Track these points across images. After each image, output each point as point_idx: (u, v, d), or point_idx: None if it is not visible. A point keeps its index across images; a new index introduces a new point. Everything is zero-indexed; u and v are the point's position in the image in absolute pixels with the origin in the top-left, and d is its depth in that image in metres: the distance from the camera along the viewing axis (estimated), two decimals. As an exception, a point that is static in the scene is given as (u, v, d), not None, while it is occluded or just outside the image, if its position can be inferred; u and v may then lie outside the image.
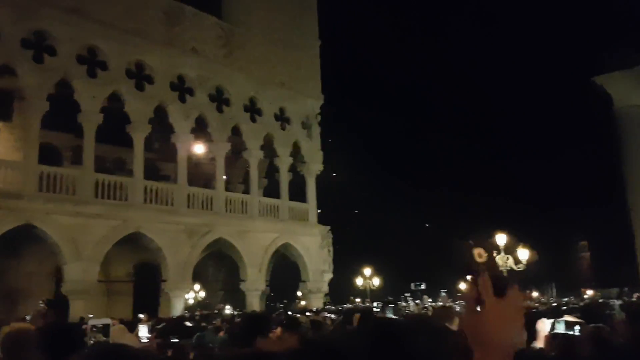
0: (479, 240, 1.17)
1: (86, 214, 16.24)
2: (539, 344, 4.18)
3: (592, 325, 4.06)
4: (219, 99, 20.77)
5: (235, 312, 20.09)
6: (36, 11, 15.96)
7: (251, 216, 20.95)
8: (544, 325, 4.14)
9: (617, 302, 12.37)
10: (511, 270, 18.85)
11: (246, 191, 22.47)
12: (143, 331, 5.00)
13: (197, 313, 17.41)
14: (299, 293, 29.49)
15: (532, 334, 4.24)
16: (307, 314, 12.15)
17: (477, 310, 1.11)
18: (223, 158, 20.73)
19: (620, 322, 5.44)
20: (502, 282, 1.13)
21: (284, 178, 22.65)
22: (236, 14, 21.75)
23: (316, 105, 24.14)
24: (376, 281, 35.18)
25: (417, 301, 24.62)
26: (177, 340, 6.31)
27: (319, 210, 23.86)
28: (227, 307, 26.80)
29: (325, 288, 23.63)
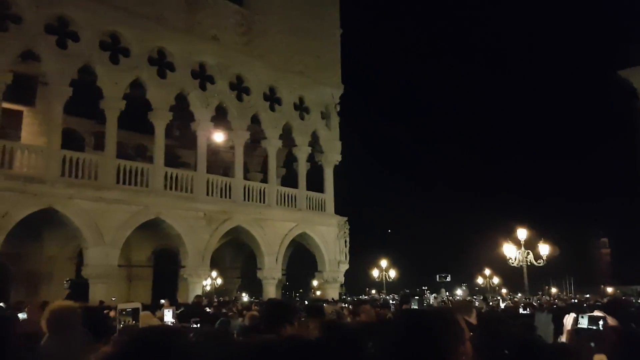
0: None
1: (107, 199, 16.43)
2: (563, 338, 4.11)
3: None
4: (239, 88, 20.78)
5: (253, 300, 20.24)
6: (60, -3, 16.09)
7: (269, 205, 21.00)
8: (569, 321, 4.06)
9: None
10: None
11: (264, 180, 22.52)
12: (168, 316, 5.04)
13: (215, 300, 17.60)
14: (315, 283, 29.57)
15: (560, 329, 4.17)
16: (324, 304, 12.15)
17: None
18: (242, 146, 20.77)
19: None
20: None
21: (302, 167, 22.62)
22: (257, 2, 21.67)
23: (336, 95, 24.00)
24: (392, 273, 35.11)
25: (434, 295, 24.52)
26: (198, 325, 6.35)
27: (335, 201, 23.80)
28: (244, 294, 27.08)
29: (341, 278, 23.64)
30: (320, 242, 22.64)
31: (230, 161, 21.89)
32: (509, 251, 19.93)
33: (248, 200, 20.46)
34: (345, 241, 23.40)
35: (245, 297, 25.24)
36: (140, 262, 22.26)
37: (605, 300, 18.55)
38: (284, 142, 22.26)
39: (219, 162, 23.38)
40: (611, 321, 3.45)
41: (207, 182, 19.39)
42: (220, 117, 20.38)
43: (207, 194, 19.24)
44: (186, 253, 18.52)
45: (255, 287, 24.22)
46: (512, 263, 19.96)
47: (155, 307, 11.01)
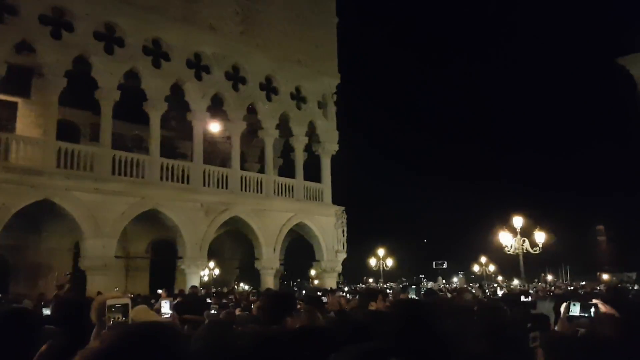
0: None
1: (104, 191, 16.40)
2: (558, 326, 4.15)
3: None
4: (236, 77, 20.67)
5: (251, 290, 20.29)
6: (54, -13, 15.92)
7: (267, 195, 21.00)
8: (563, 308, 4.10)
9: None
10: None
11: (261, 170, 22.49)
12: (165, 307, 5.02)
13: (213, 290, 17.63)
14: (313, 272, 29.67)
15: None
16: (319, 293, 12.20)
17: None
18: (239, 137, 20.71)
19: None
20: None
21: (300, 157, 22.59)
22: (253, -9, 21.47)
23: (333, 84, 23.91)
24: (389, 262, 35.25)
25: (431, 283, 24.65)
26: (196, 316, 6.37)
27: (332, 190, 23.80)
28: (242, 284, 27.16)
29: (339, 268, 23.71)
30: (318, 232, 22.69)
31: (227, 152, 21.83)
32: (505, 239, 20.01)
33: (246, 191, 20.44)
34: (343, 231, 23.45)
35: (244, 287, 25.33)
36: (137, 253, 22.29)
37: (602, 288, 18.68)
38: (281, 132, 22.20)
39: (216, 153, 23.33)
40: (605, 308, 3.47)
41: (204, 172, 19.36)
42: (216, 108, 20.30)
43: (204, 185, 19.22)
44: (184, 244, 18.53)
45: (253, 277, 24.28)
46: (509, 251, 20.05)
47: (153, 298, 11.04)
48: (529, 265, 23.20)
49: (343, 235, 23.43)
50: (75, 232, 16.99)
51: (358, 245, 30.65)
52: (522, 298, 8.13)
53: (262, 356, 1.89)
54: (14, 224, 15.01)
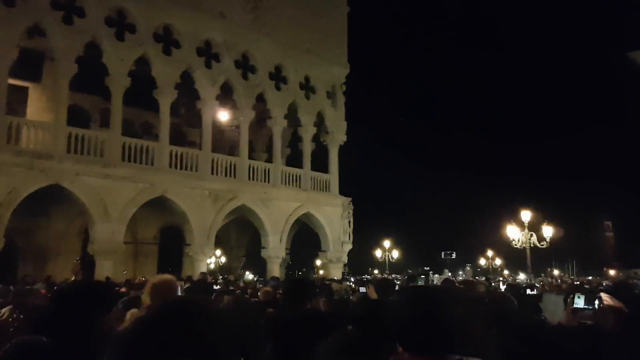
0: None
1: (114, 176, 16.51)
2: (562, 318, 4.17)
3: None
4: (245, 66, 20.65)
5: (258, 278, 20.42)
6: (66, -28, 15.93)
7: (274, 184, 21.05)
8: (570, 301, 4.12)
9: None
10: None
11: (269, 160, 22.52)
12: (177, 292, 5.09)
13: (220, 277, 17.76)
14: (318, 262, 29.79)
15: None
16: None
17: None
18: (247, 125, 20.73)
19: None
20: None
21: (307, 147, 22.59)
22: (264, -21, 21.37)
23: (342, 74, 23.83)
24: (395, 254, 35.29)
25: (437, 276, 24.67)
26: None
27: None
28: (248, 272, 27.33)
29: (345, 258, 23.79)
30: (325, 222, 22.74)
31: (235, 140, 21.88)
32: (513, 233, 19.96)
33: (253, 180, 20.51)
34: (349, 221, 23.50)
35: (249, 276, 25.49)
36: (146, 239, 22.46)
37: (608, 282, 18.63)
38: (290, 122, 22.19)
39: (224, 141, 23.38)
40: (612, 302, 3.48)
41: (213, 161, 19.43)
42: (225, 96, 20.30)
43: (212, 173, 19.29)
44: (191, 231, 18.65)
45: (259, 266, 24.41)
46: (516, 245, 20.01)
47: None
48: (535, 259, 23.15)
49: (349, 226, 23.48)
50: (85, 216, 17.16)
51: (364, 236, 30.70)
52: (528, 291, 8.12)
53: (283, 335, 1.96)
54: (24, 208, 15.16)
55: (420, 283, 6.36)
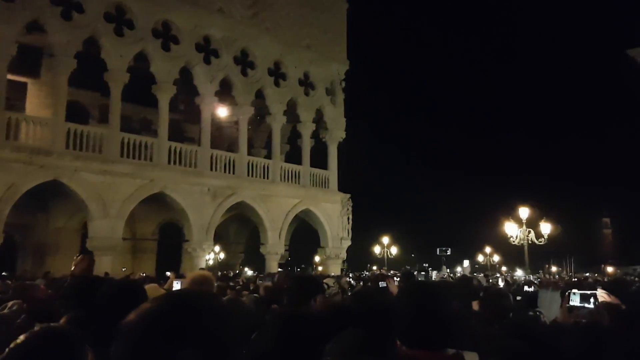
0: None
1: (113, 173, 16.51)
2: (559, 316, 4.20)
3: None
4: (244, 62, 20.63)
5: (257, 274, 20.45)
6: (64, -33, 15.88)
7: (273, 181, 21.07)
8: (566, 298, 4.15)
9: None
10: None
11: (268, 156, 22.53)
12: (177, 287, 5.13)
13: (219, 273, 17.80)
14: (317, 258, 29.83)
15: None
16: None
17: None
18: (246, 122, 20.73)
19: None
20: None
21: (307, 144, 22.60)
22: (263, -25, 21.33)
23: (341, 71, 23.82)
24: (394, 250, 35.38)
25: (435, 272, 24.73)
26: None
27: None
28: (247, 269, 27.37)
29: (344, 255, 23.84)
30: (324, 219, 22.77)
31: (234, 136, 21.87)
32: (511, 229, 20.01)
33: (252, 176, 20.52)
34: (348, 218, 23.53)
35: (248, 272, 25.53)
36: (145, 235, 22.48)
37: (605, 279, 18.68)
38: (289, 118, 22.19)
39: (223, 137, 23.38)
40: (608, 298, 3.51)
41: (212, 157, 19.43)
42: (224, 92, 20.29)
43: (212, 169, 19.30)
44: (190, 227, 18.67)
45: (258, 262, 24.46)
46: (514, 241, 20.06)
47: (160, 280, 11.17)
48: (533, 256, 23.22)
49: (348, 223, 23.52)
50: (83, 212, 17.17)
51: (363, 232, 30.76)
52: (526, 288, 8.15)
53: (290, 333, 2.00)
54: (22, 203, 15.17)
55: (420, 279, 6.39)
